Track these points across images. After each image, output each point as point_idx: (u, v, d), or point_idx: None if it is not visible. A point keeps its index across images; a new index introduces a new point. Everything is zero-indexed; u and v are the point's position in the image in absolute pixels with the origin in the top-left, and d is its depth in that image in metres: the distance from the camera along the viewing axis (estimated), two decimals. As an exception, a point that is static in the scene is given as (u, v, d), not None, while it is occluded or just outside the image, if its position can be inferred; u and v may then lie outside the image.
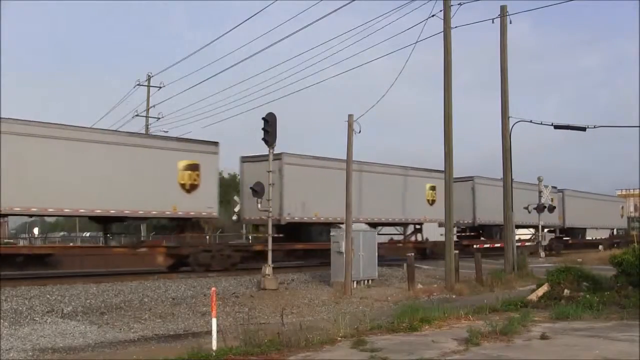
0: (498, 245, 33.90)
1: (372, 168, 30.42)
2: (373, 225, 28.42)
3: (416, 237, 35.25)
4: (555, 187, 40.98)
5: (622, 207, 57.65)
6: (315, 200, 26.88)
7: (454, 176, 22.44)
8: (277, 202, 24.38)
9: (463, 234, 38.63)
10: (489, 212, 35.59)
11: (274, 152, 21.29)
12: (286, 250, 26.55)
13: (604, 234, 52.98)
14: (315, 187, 26.92)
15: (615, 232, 56.81)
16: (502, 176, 24.79)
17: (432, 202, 33.93)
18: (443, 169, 22.01)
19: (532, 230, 40.44)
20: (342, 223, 22.19)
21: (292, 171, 26.36)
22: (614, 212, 54.81)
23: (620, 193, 62.79)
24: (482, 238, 38.60)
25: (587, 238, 49.42)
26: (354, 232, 20.97)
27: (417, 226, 34.89)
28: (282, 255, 25.70)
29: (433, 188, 33.83)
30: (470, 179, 36.88)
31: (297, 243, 27.73)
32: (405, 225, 34.85)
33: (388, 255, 30.24)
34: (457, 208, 29.20)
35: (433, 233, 34.24)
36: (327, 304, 17.45)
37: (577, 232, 47.35)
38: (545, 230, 40.36)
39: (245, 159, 27.48)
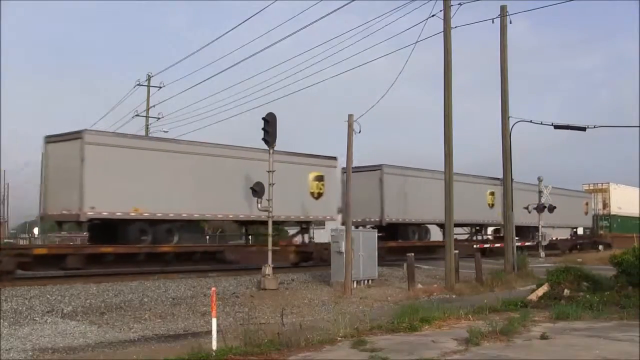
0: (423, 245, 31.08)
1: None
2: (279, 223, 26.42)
3: (303, 238, 29.71)
4: (498, 179, 32.97)
5: (587, 204, 50.17)
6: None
7: (356, 165, 22.91)
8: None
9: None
10: (404, 208, 30.99)
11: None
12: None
13: (563, 234, 46.57)
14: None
15: (578, 232, 51.27)
16: (502, 175, 24.81)
17: (318, 196, 28.10)
18: (331, 155, 26.60)
19: (466, 230, 37.85)
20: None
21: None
22: (576, 209, 47.50)
23: (587, 188, 53.22)
24: (399, 240, 31.73)
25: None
26: (354, 232, 20.97)
27: (304, 225, 29.15)
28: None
29: (320, 178, 28.02)
30: (377, 167, 30.74)
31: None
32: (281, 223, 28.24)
33: (243, 262, 25.60)
34: (360, 204, 27.14)
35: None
36: (327, 304, 17.45)
37: (525, 232, 38.75)
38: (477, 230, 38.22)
39: (50, 139, 22.45)
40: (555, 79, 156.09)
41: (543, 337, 10.80)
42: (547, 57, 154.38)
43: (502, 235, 37.21)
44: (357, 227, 27.70)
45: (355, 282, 20.61)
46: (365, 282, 21.68)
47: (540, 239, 38.24)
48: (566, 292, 15.48)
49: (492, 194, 36.60)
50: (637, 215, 55.24)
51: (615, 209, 53.21)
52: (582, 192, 51.23)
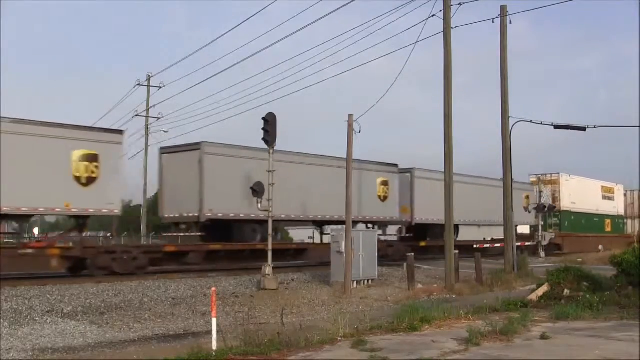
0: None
1: None
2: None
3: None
4: (393, 165, 30.66)
5: (527, 197, 40.26)
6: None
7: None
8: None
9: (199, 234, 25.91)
10: (229, 200, 24.35)
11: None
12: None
13: (495, 234, 37.40)
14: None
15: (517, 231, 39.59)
16: (502, 176, 24.80)
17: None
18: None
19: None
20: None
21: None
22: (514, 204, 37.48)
23: (534, 179, 44.56)
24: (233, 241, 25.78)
25: (463, 239, 34.94)
26: (354, 232, 20.97)
27: (369, 226, 30.40)
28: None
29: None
30: (196, 147, 24.48)
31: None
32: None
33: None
34: (178, 194, 23.84)
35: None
36: (327, 304, 17.45)
37: (438, 232, 30.84)
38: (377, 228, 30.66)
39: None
40: (555, 79, 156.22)
41: (543, 337, 10.80)
42: (547, 57, 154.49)
43: (408, 235, 34.37)
44: (175, 224, 25.68)
45: (355, 282, 20.62)
46: (365, 282, 21.69)
47: (540, 239, 38.25)
48: (566, 292, 15.49)
49: (385, 183, 30.46)
50: (596, 212, 48.72)
51: (568, 204, 45.12)
52: (520, 184, 38.83)
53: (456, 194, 23.08)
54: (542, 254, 37.43)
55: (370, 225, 30.56)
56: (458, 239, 32.05)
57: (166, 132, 42.53)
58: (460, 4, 21.06)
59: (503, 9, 23.53)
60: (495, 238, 37.94)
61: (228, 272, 23.51)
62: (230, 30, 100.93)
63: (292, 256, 28.20)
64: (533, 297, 15.58)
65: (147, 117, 44.06)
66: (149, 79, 44.11)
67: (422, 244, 32.96)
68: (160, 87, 43.95)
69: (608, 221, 51.70)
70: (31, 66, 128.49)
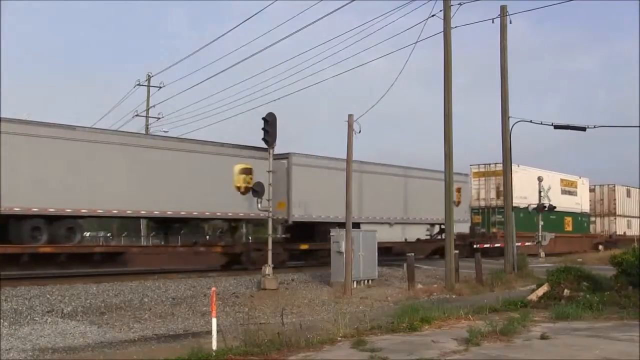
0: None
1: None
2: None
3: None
4: (256, 149, 24.50)
5: (460, 190, 33.61)
6: None
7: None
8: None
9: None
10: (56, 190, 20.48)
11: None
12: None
13: (415, 233, 34.11)
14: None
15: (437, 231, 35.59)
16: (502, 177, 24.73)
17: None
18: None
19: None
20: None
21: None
22: (436, 198, 28.04)
23: (477, 170, 39.56)
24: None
25: None
26: (354, 232, 20.97)
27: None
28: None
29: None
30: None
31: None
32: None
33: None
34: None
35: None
36: (327, 304, 17.45)
37: (323, 232, 26.12)
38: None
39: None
40: (555, 79, 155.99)
41: (543, 337, 10.81)
42: (547, 57, 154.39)
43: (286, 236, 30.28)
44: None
45: (355, 282, 20.62)
46: (365, 282, 21.69)
47: (540, 239, 38.19)
48: (566, 292, 15.49)
49: (248, 171, 21.64)
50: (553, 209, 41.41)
51: (517, 198, 36.68)
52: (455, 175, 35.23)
53: (358, 186, 22.92)
54: (542, 254, 37.34)
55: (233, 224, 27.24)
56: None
57: (166, 132, 42.52)
58: (460, 4, 21.07)
59: (503, 9, 23.53)
60: (408, 240, 33.44)
61: (228, 272, 23.52)
62: (230, 30, 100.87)
63: None
64: (533, 297, 15.58)
65: (147, 117, 44.07)
66: (149, 79, 44.12)
67: (303, 246, 27.30)
68: (160, 87, 43.97)
69: (568, 219, 45.18)
70: (31, 66, 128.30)
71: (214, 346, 9.84)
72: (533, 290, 16.19)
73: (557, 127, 24.48)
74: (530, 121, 24.33)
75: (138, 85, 43.98)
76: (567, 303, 14.38)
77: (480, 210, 40.48)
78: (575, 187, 47.70)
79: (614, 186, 52.51)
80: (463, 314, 13.35)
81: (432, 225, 35.31)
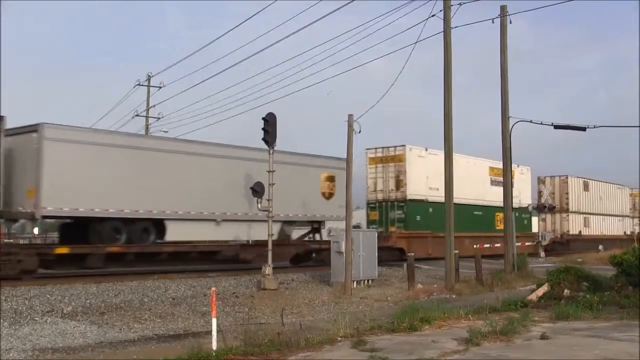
0: None
1: None
2: None
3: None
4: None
5: (334, 180, 28.41)
6: None
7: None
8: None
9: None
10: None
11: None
12: None
13: (258, 233, 24.70)
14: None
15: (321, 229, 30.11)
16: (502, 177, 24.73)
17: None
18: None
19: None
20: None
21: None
22: (308, 188, 27.33)
23: (373, 155, 32.43)
24: None
25: (178, 239, 23.87)
26: (354, 232, 20.97)
27: None
28: None
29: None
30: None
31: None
32: None
33: None
34: None
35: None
36: (327, 304, 17.46)
37: (106, 231, 21.87)
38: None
39: None
40: (555, 79, 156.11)
41: (543, 337, 10.80)
42: (547, 57, 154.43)
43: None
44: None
45: (355, 282, 20.63)
46: (365, 282, 21.70)
47: (540, 239, 38.18)
48: (566, 292, 15.49)
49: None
50: (479, 203, 34.66)
51: (422, 190, 31.45)
52: (318, 158, 28.69)
53: (166, 171, 21.52)
54: (542, 254, 37.34)
55: None
56: (166, 240, 23.35)
57: (166, 132, 42.46)
58: (460, 4, 21.06)
59: (503, 9, 23.52)
60: (255, 240, 25.86)
61: (228, 272, 23.50)
62: (230, 30, 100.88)
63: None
64: (533, 297, 15.58)
65: (147, 117, 44.05)
66: (149, 79, 44.09)
67: (61, 250, 20.97)
68: (160, 87, 43.93)
69: (501, 215, 33.74)
70: (31, 66, 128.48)
71: (214, 346, 9.84)
72: (533, 290, 16.19)
73: (557, 127, 24.47)
74: (530, 121, 24.34)
75: (138, 85, 43.97)
76: (567, 303, 14.36)
77: (378, 205, 32.01)
78: (512, 177, 39.52)
79: (567, 178, 45.51)
80: (463, 314, 13.34)
81: (307, 223, 29.25)
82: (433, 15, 21.05)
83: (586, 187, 47.13)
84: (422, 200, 31.64)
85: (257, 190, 20.82)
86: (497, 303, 14.69)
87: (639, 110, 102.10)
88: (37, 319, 14.02)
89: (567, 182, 45.18)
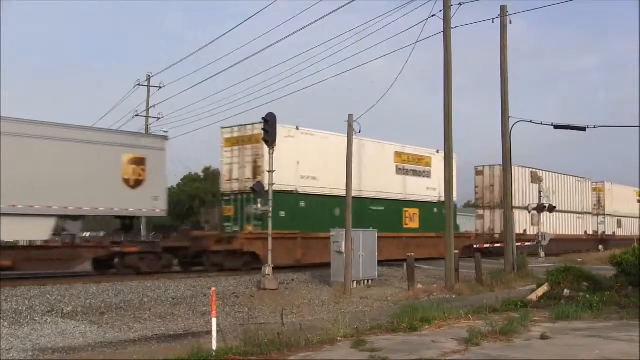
0: None
1: None
2: None
3: None
4: None
5: (144, 162, 22.85)
6: None
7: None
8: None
9: None
10: None
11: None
12: None
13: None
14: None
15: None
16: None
17: None
18: None
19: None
20: None
21: None
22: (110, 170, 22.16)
23: (230, 136, 26.58)
24: None
25: None
26: (354, 232, 20.98)
27: None
28: None
29: None
30: None
31: None
32: None
33: None
34: None
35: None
36: (327, 304, 17.46)
37: None
38: None
39: None
40: (555, 79, 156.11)
41: (543, 337, 10.80)
42: (547, 57, 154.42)
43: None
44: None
45: (355, 282, 20.63)
46: (365, 282, 21.70)
47: (540, 239, 38.09)
48: (566, 292, 15.48)
49: None
50: (381, 195, 28.96)
51: (289, 178, 24.86)
52: (123, 135, 24.01)
53: None
54: (542, 254, 37.28)
55: None
56: None
57: (166, 132, 42.43)
58: (460, 4, 21.05)
59: (503, 9, 23.52)
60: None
61: (228, 272, 23.51)
62: (230, 31, 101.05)
63: None
64: (533, 297, 15.58)
65: (147, 117, 44.05)
66: (149, 79, 44.09)
67: None
68: (160, 87, 43.91)
69: (412, 212, 30.92)
70: (31, 66, 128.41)
71: (214, 346, 9.84)
72: (533, 290, 16.19)
73: (557, 127, 24.45)
74: (530, 121, 24.32)
75: (138, 85, 43.98)
76: (567, 303, 14.36)
77: (234, 197, 26.01)
78: (427, 164, 32.33)
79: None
80: (463, 314, 13.34)
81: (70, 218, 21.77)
82: (433, 15, 21.06)
83: (535, 178, 40.28)
84: (289, 192, 25.22)
85: (257, 190, 20.81)
86: (497, 303, 14.68)
87: (639, 110, 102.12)
88: (37, 319, 14.03)
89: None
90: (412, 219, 30.61)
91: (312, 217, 25.70)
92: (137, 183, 22.66)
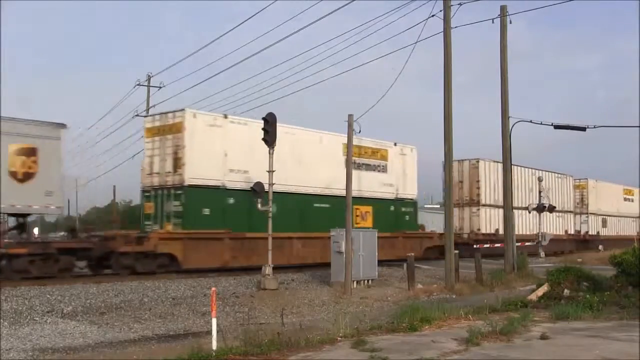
0: None
1: None
2: None
3: None
4: None
5: (35, 153, 20.52)
6: None
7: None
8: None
9: None
10: None
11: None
12: None
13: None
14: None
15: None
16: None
17: None
18: None
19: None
20: None
21: None
22: None
23: (151, 125, 24.54)
24: None
25: None
26: (354, 232, 20.98)
27: None
28: None
29: None
30: None
31: None
32: None
33: None
34: None
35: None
36: (327, 304, 17.45)
37: None
38: None
39: None
40: (555, 79, 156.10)
41: (543, 337, 10.80)
42: (547, 57, 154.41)
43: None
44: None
45: (355, 282, 20.62)
46: (365, 282, 21.69)
47: (540, 239, 38.04)
48: (566, 292, 15.49)
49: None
50: (312, 191, 26.08)
51: (214, 172, 23.30)
52: (8, 122, 20.41)
53: None
54: (542, 253, 37.23)
55: None
56: None
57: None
58: (460, 4, 21.10)
59: (503, 9, 23.55)
60: None
61: (228, 272, 23.51)
62: (230, 31, 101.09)
63: None
64: (533, 297, 15.58)
65: (147, 117, 44.03)
66: (149, 79, 44.09)
67: None
68: (160, 87, 43.89)
69: (365, 209, 28.42)
70: (30, 66, 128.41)
71: (214, 346, 9.84)
72: (533, 290, 16.19)
73: (557, 127, 24.49)
74: (530, 121, 24.36)
75: (138, 85, 43.96)
76: (567, 303, 14.36)
77: (154, 193, 23.66)
78: (383, 158, 29.86)
79: (477, 162, 35.76)
80: (463, 314, 13.34)
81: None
82: (433, 15, 21.11)
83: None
84: (215, 187, 23.05)
85: (257, 191, 20.77)
86: (497, 303, 14.69)
87: (639, 110, 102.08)
88: (37, 319, 14.03)
89: (478, 167, 35.63)
90: (364, 218, 28.14)
91: (243, 215, 23.23)
92: (27, 176, 20.32)
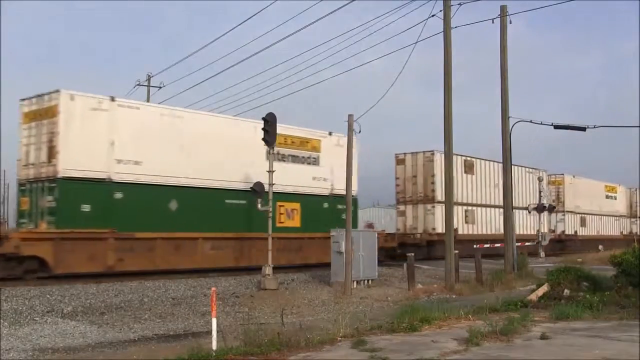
0: None
1: None
2: None
3: None
4: None
5: None
6: None
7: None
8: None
9: None
10: None
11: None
12: None
13: None
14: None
15: None
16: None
17: None
18: None
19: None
20: None
21: None
22: None
23: (28, 110, 21.05)
24: None
25: None
26: (354, 232, 20.98)
27: None
28: None
29: None
30: None
31: None
32: None
33: None
34: None
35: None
36: (327, 304, 17.46)
37: None
38: None
39: None
40: (555, 79, 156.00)
41: (543, 337, 10.80)
42: (547, 57, 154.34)
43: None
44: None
45: (355, 282, 20.62)
46: (365, 282, 21.69)
47: (540, 239, 38.03)
48: (566, 292, 15.49)
49: None
50: (228, 186, 23.37)
51: (96, 163, 20.31)
52: None
53: None
54: (542, 254, 37.24)
55: None
56: None
57: None
58: (460, 4, 21.10)
59: (503, 9, 23.55)
60: None
61: (228, 272, 23.50)
62: (230, 31, 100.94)
63: None
64: (533, 297, 15.58)
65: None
66: (149, 79, 44.05)
67: None
68: (160, 87, 43.85)
69: (291, 206, 25.79)
70: (30, 66, 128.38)
71: (214, 346, 9.84)
72: (533, 290, 16.19)
73: (557, 127, 24.48)
74: (530, 121, 24.36)
75: (138, 85, 43.93)
76: (567, 303, 14.37)
77: (29, 187, 20.74)
78: (315, 149, 27.04)
79: (432, 154, 32.63)
80: (463, 314, 13.34)
81: None
82: (433, 15, 21.11)
83: (469, 168, 34.09)
84: (98, 180, 20.21)
85: (257, 191, 20.77)
86: (497, 303, 14.68)
87: (639, 110, 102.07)
88: (37, 319, 14.03)
89: (433, 160, 32.57)
90: (290, 216, 25.22)
91: (134, 212, 20.67)
92: None
